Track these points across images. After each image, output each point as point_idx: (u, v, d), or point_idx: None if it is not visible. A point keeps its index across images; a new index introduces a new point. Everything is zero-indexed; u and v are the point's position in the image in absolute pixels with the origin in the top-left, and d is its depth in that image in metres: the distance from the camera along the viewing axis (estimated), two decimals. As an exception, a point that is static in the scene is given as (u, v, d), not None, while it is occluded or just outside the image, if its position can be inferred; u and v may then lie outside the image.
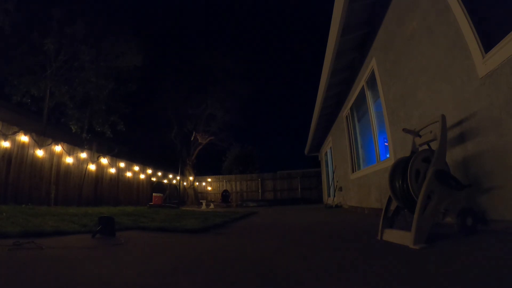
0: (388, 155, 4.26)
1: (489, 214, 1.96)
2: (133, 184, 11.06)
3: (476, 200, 2.07)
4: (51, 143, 7.11)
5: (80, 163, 8.16)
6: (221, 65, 17.06)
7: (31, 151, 6.48)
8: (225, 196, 16.27)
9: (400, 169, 2.09)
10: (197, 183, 17.73)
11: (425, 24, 2.73)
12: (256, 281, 1.18)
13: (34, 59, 10.14)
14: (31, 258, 1.60)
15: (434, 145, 2.12)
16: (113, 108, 12.32)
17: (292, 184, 17.29)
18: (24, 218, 3.19)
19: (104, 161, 9.23)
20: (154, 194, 10.26)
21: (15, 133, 6.09)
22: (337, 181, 8.86)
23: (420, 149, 2.31)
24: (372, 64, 4.44)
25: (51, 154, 7.11)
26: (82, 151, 8.29)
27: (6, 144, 5.82)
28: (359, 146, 6.24)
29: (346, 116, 6.72)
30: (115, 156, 10.19)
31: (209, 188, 18.20)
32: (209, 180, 18.37)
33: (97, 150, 10.56)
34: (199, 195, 17.23)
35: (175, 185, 14.90)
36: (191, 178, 17.00)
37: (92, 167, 8.55)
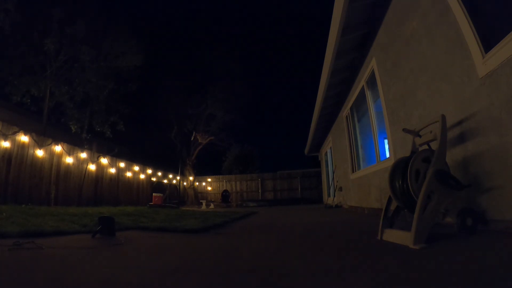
0: (388, 155, 4.26)
1: (489, 214, 1.96)
2: (133, 184, 11.06)
3: (476, 200, 2.07)
4: (51, 143, 7.11)
5: (80, 163, 8.16)
6: (221, 65, 17.10)
7: (31, 151, 6.48)
8: (225, 196, 16.27)
9: (400, 169, 2.09)
10: (197, 183, 17.73)
11: (425, 24, 2.73)
12: (256, 281, 1.18)
13: (34, 59, 10.14)
14: (31, 258, 1.60)
15: (434, 145, 2.12)
16: (113, 108, 12.32)
17: (292, 184, 17.29)
18: (24, 218, 3.19)
19: (104, 161, 9.23)
20: (154, 194, 10.26)
21: (15, 133, 6.09)
22: (337, 181, 8.86)
23: (420, 149, 2.31)
24: (372, 64, 4.44)
25: (51, 154, 7.11)
26: (82, 151, 8.29)
27: (6, 144, 5.82)
28: (359, 146, 6.24)
29: (346, 116, 6.72)
30: (115, 156, 10.19)
31: (209, 188, 18.20)
32: (209, 180, 18.37)
33: (97, 150, 10.57)
34: (199, 195, 17.23)
35: (175, 185, 14.90)
36: (191, 178, 17.00)
37: (92, 167, 8.55)
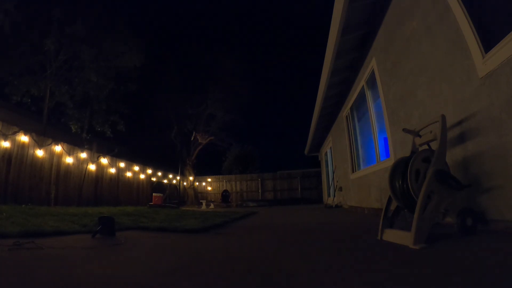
0: (388, 155, 4.26)
1: (489, 214, 1.96)
2: (133, 184, 11.06)
3: (476, 200, 2.07)
4: (51, 143, 7.11)
5: (80, 163, 8.16)
6: (221, 65, 17.07)
7: (31, 151, 6.48)
8: (225, 196, 16.27)
9: (400, 169, 2.09)
10: (197, 183, 17.73)
11: (425, 24, 2.73)
12: (257, 281, 1.18)
13: (34, 59, 10.14)
14: (31, 258, 1.60)
15: (434, 145, 2.12)
16: (113, 108, 12.32)
17: (292, 184, 17.29)
18: (24, 218, 3.19)
19: (104, 161, 9.23)
20: (154, 194, 10.26)
21: (15, 133, 6.09)
22: (337, 181, 8.86)
23: (420, 149, 2.31)
24: (372, 64, 4.44)
25: (51, 154, 7.11)
26: (82, 151, 8.29)
27: (6, 144, 5.82)
28: (359, 146, 6.24)
29: (346, 116, 6.72)
30: (115, 156, 10.19)
31: (209, 188, 18.20)
32: (209, 180, 18.37)
33: (97, 150, 10.55)
34: (199, 195, 17.23)
35: (175, 185, 14.90)
36: (191, 178, 17.00)
37: (92, 167, 8.55)
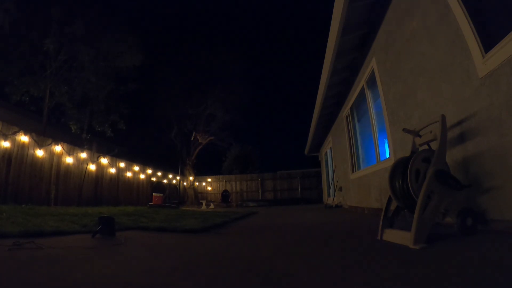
0: (388, 155, 4.26)
1: (489, 214, 1.96)
2: (133, 184, 11.06)
3: (476, 200, 2.07)
4: (51, 143, 7.11)
5: (80, 163, 8.15)
6: (221, 65, 17.05)
7: (31, 151, 6.47)
8: (225, 196, 16.27)
9: (400, 169, 2.09)
10: (197, 183, 17.72)
11: (425, 24, 2.73)
12: (257, 281, 1.18)
13: (34, 59, 10.13)
14: (31, 258, 1.60)
15: (434, 145, 2.12)
16: (113, 108, 12.31)
17: (292, 184, 17.29)
18: (24, 218, 3.19)
19: (104, 161, 9.23)
20: (154, 194, 10.26)
21: (15, 133, 6.08)
22: (337, 181, 8.86)
23: (420, 149, 2.31)
24: (372, 64, 4.44)
25: (51, 154, 7.11)
26: (82, 151, 8.29)
27: (6, 144, 5.82)
28: (359, 146, 6.24)
29: (346, 116, 6.72)
30: (115, 156, 10.18)
31: (209, 188, 18.20)
32: (209, 180, 18.37)
33: (97, 150, 10.55)
34: (199, 195, 17.22)
35: (175, 185, 14.90)
36: (191, 178, 16.99)
37: (92, 167, 8.55)
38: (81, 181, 8.06)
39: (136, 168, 11.24)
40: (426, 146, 2.29)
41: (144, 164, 12.00)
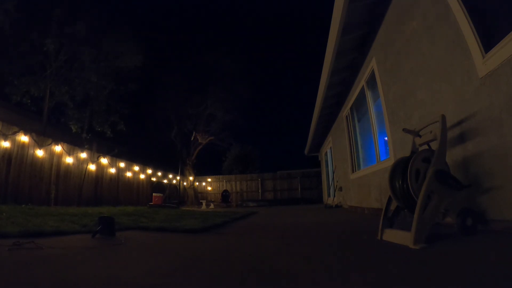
0: (388, 155, 4.26)
1: (489, 214, 1.96)
2: (133, 184, 11.06)
3: (476, 200, 2.07)
4: (51, 143, 7.11)
5: (80, 163, 8.15)
6: (221, 65, 17.04)
7: (31, 151, 6.47)
8: (225, 196, 16.26)
9: (400, 169, 2.09)
10: (197, 183, 17.72)
11: (425, 24, 2.73)
12: (257, 281, 1.18)
13: (34, 59, 10.13)
14: (31, 258, 1.60)
15: (434, 145, 2.12)
16: (113, 108, 12.31)
17: (292, 184, 17.28)
18: (24, 218, 3.19)
19: (104, 161, 9.23)
20: (154, 194, 10.26)
21: (15, 133, 6.09)
22: (337, 181, 8.86)
23: (420, 149, 2.31)
24: (372, 64, 4.44)
25: (51, 154, 7.11)
26: (82, 151, 8.29)
27: (6, 144, 5.82)
28: (359, 146, 6.24)
29: (346, 116, 6.72)
30: (115, 156, 10.18)
31: (209, 188, 18.20)
32: (209, 180, 18.37)
33: (97, 150, 10.56)
34: (199, 195, 17.22)
35: (175, 185, 14.89)
36: (191, 178, 16.99)
37: (92, 167, 8.55)
38: (81, 181, 8.06)
39: (136, 168, 11.24)
40: (426, 146, 2.29)
41: (144, 164, 12.00)
